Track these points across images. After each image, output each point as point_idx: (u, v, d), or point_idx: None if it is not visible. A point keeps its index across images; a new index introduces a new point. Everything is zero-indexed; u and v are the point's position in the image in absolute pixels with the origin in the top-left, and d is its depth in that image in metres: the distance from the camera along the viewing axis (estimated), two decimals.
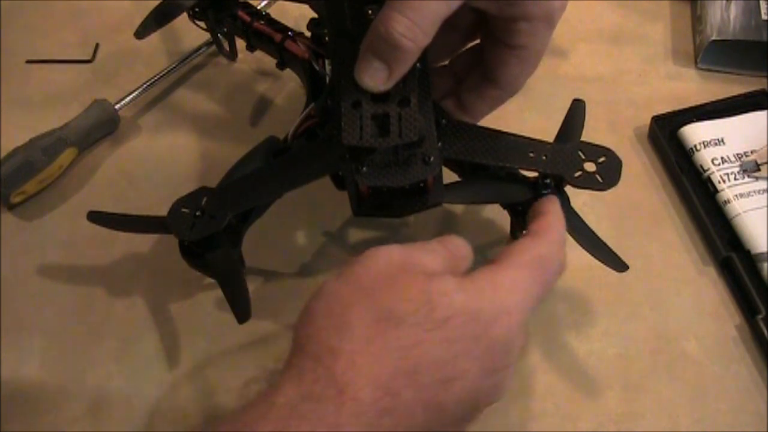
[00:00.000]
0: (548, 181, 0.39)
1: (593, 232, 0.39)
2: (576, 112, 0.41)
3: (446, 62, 0.42)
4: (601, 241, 0.39)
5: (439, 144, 0.36)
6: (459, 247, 0.33)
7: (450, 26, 0.40)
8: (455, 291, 0.29)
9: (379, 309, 0.28)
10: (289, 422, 0.26)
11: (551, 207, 0.36)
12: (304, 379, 0.27)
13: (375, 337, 0.28)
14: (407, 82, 0.34)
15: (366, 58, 0.33)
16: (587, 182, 0.36)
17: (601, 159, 0.37)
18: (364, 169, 0.34)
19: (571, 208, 0.39)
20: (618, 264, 0.39)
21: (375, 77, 0.33)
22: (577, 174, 0.36)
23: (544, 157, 0.37)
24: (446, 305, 0.29)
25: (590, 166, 0.37)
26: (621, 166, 0.37)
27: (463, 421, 0.29)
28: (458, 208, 0.48)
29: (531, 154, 0.37)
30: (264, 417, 0.26)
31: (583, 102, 0.41)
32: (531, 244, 0.33)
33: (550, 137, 0.40)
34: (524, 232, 0.44)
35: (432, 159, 0.35)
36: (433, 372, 0.28)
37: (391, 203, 0.37)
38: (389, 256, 0.31)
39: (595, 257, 0.39)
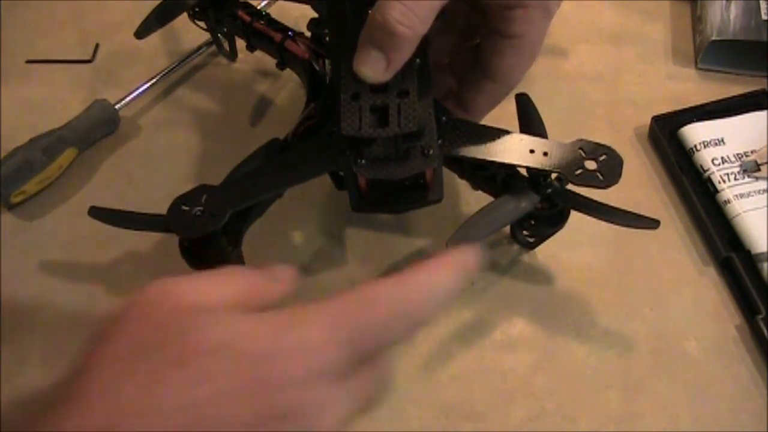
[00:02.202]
0: (549, 181, 0.39)
1: (612, 207, 0.39)
2: (524, 106, 0.41)
3: (446, 62, 0.42)
4: (621, 210, 0.39)
5: (440, 141, 0.36)
6: (271, 274, 0.30)
7: (448, 24, 0.40)
8: (216, 325, 0.26)
9: (130, 344, 0.26)
10: None
11: (445, 257, 0.29)
12: (31, 420, 0.25)
13: (114, 374, 0.25)
14: (406, 75, 0.34)
15: (364, 48, 0.33)
16: (588, 180, 0.36)
17: (602, 157, 0.37)
18: (363, 161, 0.34)
19: (579, 194, 0.39)
20: (647, 222, 0.40)
21: (373, 68, 0.33)
22: (578, 172, 0.36)
23: (544, 155, 0.37)
24: (204, 340, 0.25)
25: (591, 164, 0.37)
26: (622, 163, 0.37)
27: None
28: (458, 206, 0.48)
29: (532, 152, 0.37)
30: None
31: (526, 95, 0.41)
32: (373, 282, 0.28)
33: (550, 137, 0.40)
34: (525, 233, 0.44)
35: (431, 152, 0.35)
36: (178, 415, 0.24)
37: (391, 199, 0.37)
38: (162, 289, 0.28)
39: (622, 226, 0.40)
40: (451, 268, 0.28)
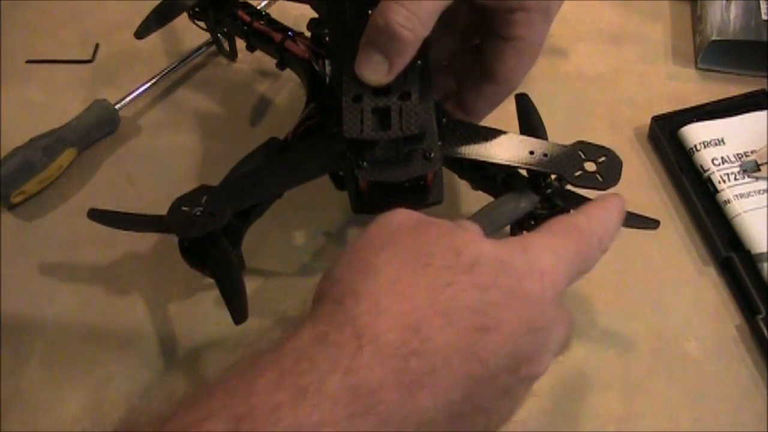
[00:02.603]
0: (549, 181, 0.39)
1: None
2: (524, 106, 0.41)
3: (446, 63, 0.42)
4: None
5: (440, 142, 0.36)
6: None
7: (448, 26, 0.40)
8: (482, 241, 0.28)
9: (405, 252, 0.27)
10: (297, 366, 0.23)
11: (608, 197, 0.34)
12: (319, 323, 0.25)
13: (402, 277, 0.26)
14: (408, 77, 0.34)
15: (366, 51, 0.33)
16: (587, 181, 0.37)
17: (602, 159, 0.37)
18: (365, 164, 0.34)
19: (579, 194, 0.39)
20: (647, 222, 0.40)
21: (375, 70, 0.33)
22: (578, 173, 0.37)
23: (544, 156, 0.37)
24: (473, 251, 0.27)
25: (590, 166, 0.37)
26: (621, 166, 0.37)
27: (504, 383, 0.27)
28: (458, 207, 0.48)
29: (531, 153, 0.37)
30: (271, 363, 0.24)
31: (526, 95, 0.41)
32: (568, 216, 0.32)
33: (550, 137, 0.40)
34: (525, 233, 0.44)
35: (433, 155, 0.35)
36: (467, 317, 0.25)
37: (391, 201, 0.37)
38: (409, 213, 0.30)
39: (622, 225, 0.39)
40: (617, 209, 0.33)
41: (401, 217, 0.29)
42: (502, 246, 0.28)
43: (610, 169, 0.37)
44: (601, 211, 0.32)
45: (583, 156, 0.37)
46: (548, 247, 0.29)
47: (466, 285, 0.26)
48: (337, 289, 0.27)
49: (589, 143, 0.37)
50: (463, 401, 0.25)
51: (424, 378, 0.24)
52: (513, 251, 0.28)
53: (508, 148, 0.38)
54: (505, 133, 0.38)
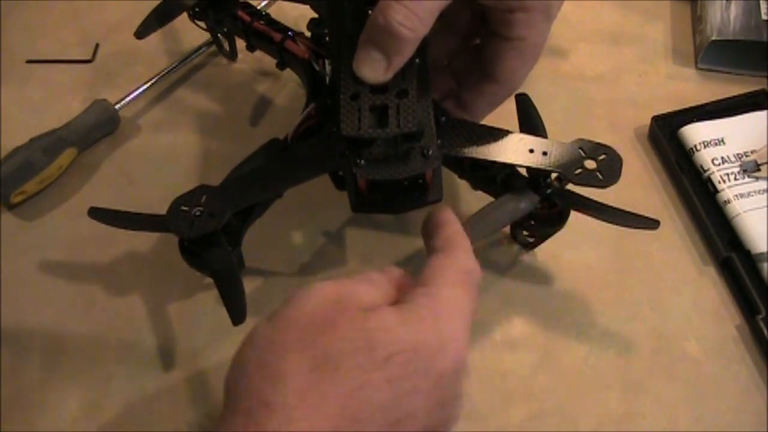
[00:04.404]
0: (549, 181, 0.39)
1: (612, 207, 0.40)
2: (524, 106, 0.41)
3: (446, 63, 0.42)
4: (621, 210, 0.40)
5: (439, 141, 0.36)
6: (400, 276, 0.32)
7: (448, 26, 0.40)
8: (396, 325, 0.28)
9: (315, 354, 0.27)
10: None
11: (447, 217, 0.34)
12: None
13: (312, 386, 0.26)
14: (406, 75, 0.34)
15: (365, 49, 0.33)
16: (588, 179, 0.36)
17: (602, 156, 0.37)
18: (363, 162, 0.34)
19: (579, 194, 0.39)
20: (647, 222, 0.40)
21: (374, 68, 0.33)
22: (578, 171, 0.36)
23: (544, 155, 0.37)
24: (387, 342, 0.27)
25: (590, 164, 0.37)
26: (621, 163, 0.37)
27: None
28: (458, 206, 0.48)
29: (531, 152, 0.37)
30: None
31: (526, 95, 0.41)
32: (450, 259, 0.32)
33: (550, 137, 0.40)
34: (525, 233, 0.44)
35: (431, 152, 0.35)
36: (380, 416, 0.26)
37: (390, 199, 0.37)
38: (322, 293, 0.29)
39: (622, 226, 0.40)
40: (458, 227, 0.34)
41: (313, 301, 0.29)
42: (414, 323, 0.28)
43: (610, 167, 0.37)
44: (465, 242, 0.33)
45: (583, 154, 0.37)
46: (455, 306, 0.30)
47: (378, 382, 0.26)
48: (247, 399, 0.26)
49: (589, 141, 0.37)
50: None
51: None
52: (424, 324, 0.28)
53: (508, 147, 0.38)
54: (504, 131, 0.38)
